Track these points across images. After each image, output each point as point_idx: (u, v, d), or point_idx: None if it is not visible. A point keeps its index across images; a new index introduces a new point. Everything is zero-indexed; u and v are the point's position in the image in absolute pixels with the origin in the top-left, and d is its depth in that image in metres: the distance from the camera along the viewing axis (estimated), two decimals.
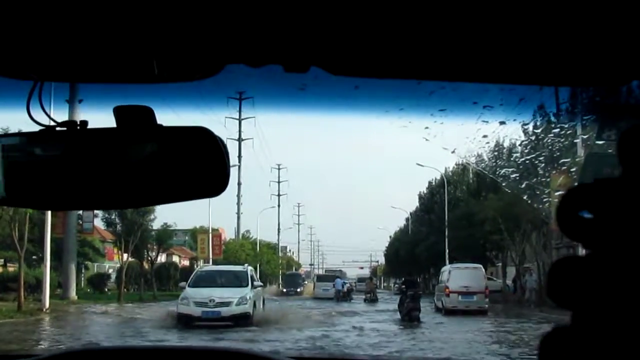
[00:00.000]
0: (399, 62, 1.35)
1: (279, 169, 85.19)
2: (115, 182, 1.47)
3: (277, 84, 1.59)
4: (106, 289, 45.26)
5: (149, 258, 45.03)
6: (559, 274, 0.58)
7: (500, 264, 42.94)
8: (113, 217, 38.47)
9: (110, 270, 51.55)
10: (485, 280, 31.49)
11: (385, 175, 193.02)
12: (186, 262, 63.03)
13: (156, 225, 43.64)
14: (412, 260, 54.55)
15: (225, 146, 1.44)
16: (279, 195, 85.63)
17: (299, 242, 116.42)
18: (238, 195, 63.57)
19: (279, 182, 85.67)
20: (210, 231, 54.63)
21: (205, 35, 1.30)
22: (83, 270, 46.89)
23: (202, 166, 1.45)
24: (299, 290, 58.42)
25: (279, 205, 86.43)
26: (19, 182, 1.50)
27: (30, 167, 1.49)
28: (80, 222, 38.27)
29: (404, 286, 28.62)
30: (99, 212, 36.66)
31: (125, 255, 39.92)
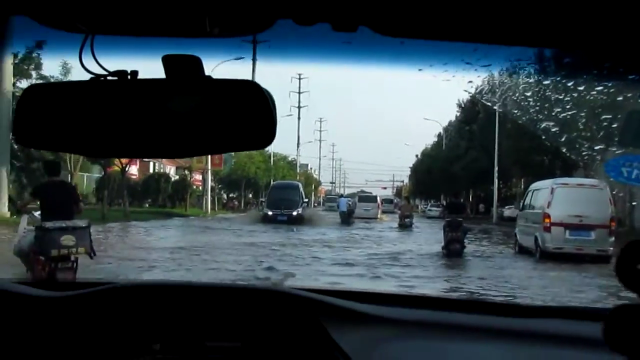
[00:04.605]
0: (446, 24, 1.36)
1: (299, 78, 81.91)
2: (162, 131, 1.51)
3: (323, 38, 1.61)
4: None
5: (122, 165, 36.81)
6: (618, 321, 0.58)
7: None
8: None
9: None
10: (612, 207, 19.41)
11: (417, 87, 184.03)
12: (198, 176, 52.49)
13: None
14: (447, 180, 44.17)
15: (273, 100, 1.48)
16: (299, 106, 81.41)
17: (319, 159, 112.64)
18: None
19: (299, 92, 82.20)
20: None
21: None
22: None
23: (250, 119, 1.48)
24: (294, 213, 34.29)
25: (299, 118, 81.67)
26: (67, 128, 1.55)
27: (80, 114, 1.53)
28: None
29: (447, 210, 21.58)
30: None
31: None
